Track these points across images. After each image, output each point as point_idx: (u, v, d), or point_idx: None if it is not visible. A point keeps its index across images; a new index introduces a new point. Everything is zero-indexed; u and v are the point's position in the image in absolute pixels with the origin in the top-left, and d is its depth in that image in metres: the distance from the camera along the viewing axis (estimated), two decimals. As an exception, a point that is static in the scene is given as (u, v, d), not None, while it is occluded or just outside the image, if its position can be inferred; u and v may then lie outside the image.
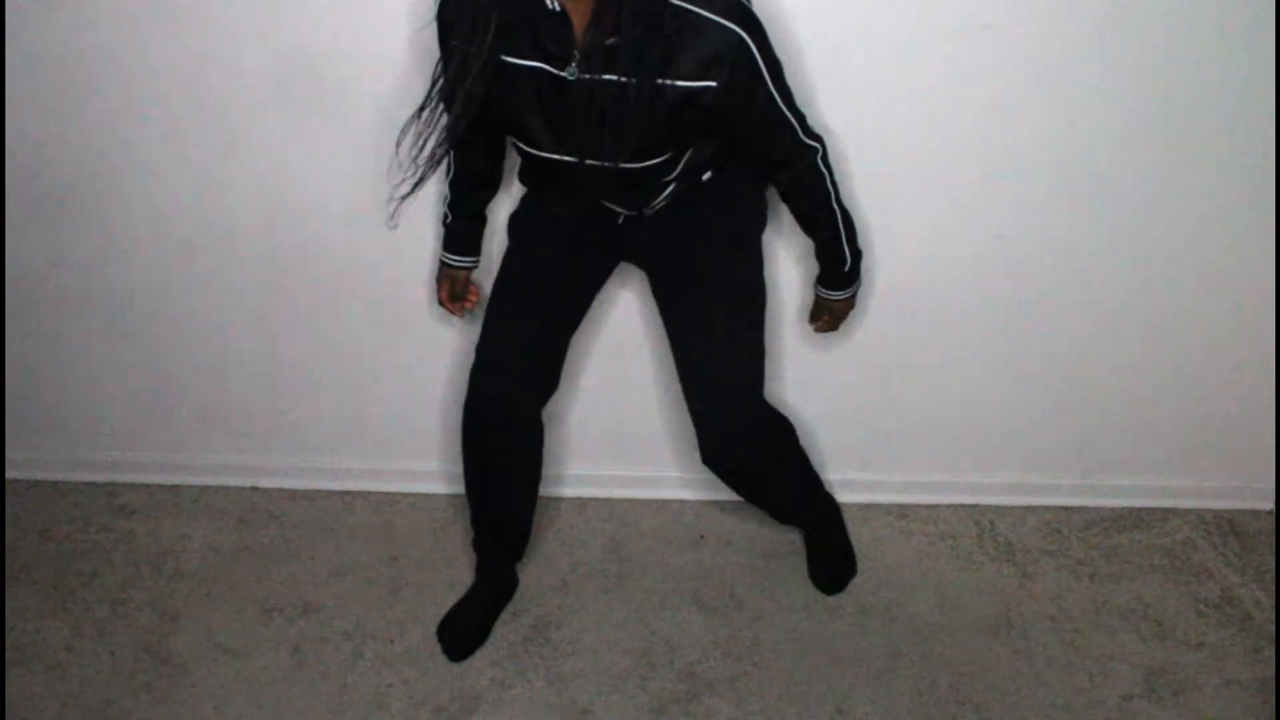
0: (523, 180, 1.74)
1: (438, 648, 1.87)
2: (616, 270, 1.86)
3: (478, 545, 1.97)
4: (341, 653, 1.86)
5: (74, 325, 2.15)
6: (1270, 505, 2.21)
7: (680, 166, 1.58)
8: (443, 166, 1.66)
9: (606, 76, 1.37)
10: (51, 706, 1.75)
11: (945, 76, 1.80)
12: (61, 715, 1.74)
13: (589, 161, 1.47)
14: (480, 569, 1.99)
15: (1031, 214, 1.92)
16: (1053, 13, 1.74)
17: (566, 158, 1.50)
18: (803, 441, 1.95)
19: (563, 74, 1.40)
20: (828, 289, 1.76)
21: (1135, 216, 1.92)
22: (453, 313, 1.87)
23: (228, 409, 2.22)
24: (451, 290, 1.85)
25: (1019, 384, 2.11)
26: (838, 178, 1.64)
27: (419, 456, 2.21)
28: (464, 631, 1.92)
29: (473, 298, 1.86)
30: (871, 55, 1.78)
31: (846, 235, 1.69)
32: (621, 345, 2.08)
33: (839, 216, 1.65)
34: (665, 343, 2.03)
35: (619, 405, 2.16)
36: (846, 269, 1.71)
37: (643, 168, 1.51)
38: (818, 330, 1.84)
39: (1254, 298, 2.00)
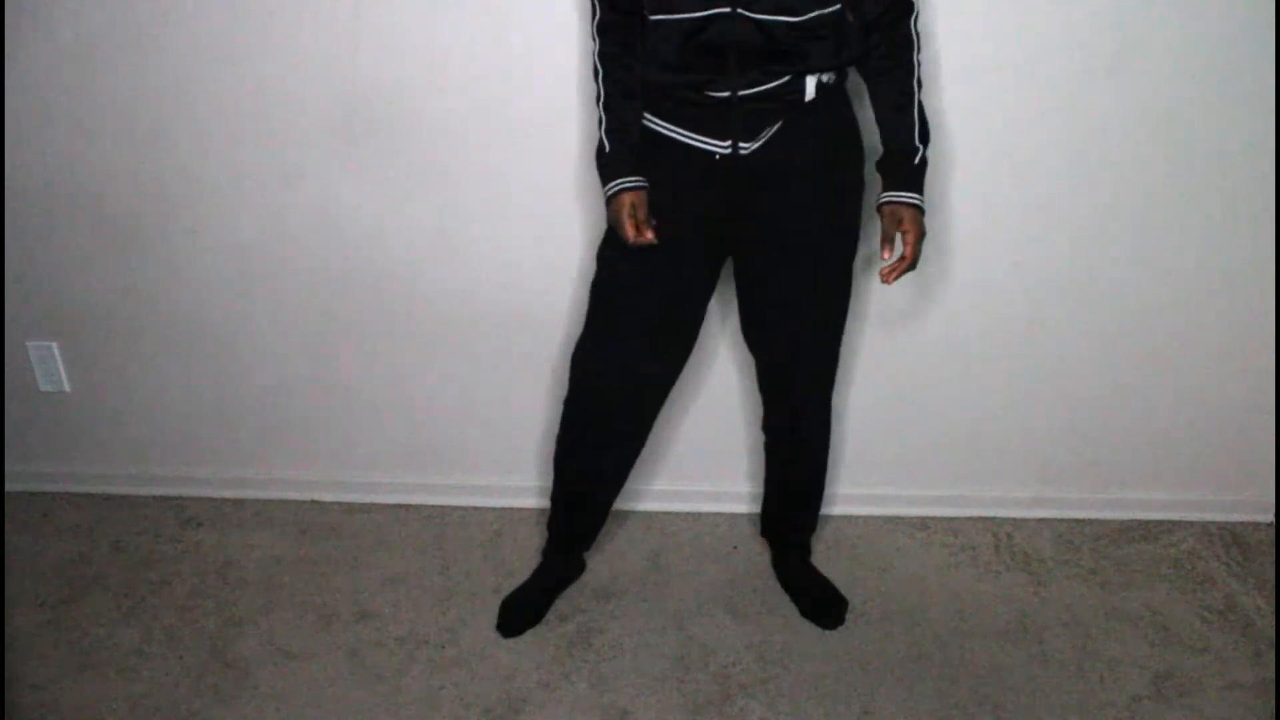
0: (649, 103, 1.62)
1: (486, 651, 1.88)
2: None
3: (560, 533, 1.97)
4: (396, 656, 1.88)
5: (144, 349, 2.20)
6: (1270, 518, 2.22)
7: (820, 48, 1.51)
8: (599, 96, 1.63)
9: None
10: (122, 707, 1.77)
11: (961, 119, 1.83)
12: (132, 715, 1.76)
13: (739, 10, 1.42)
14: (556, 557, 2.01)
15: (1045, 245, 1.96)
16: (1065, 55, 1.77)
17: (717, 9, 1.44)
18: (829, 458, 1.96)
19: None
20: (897, 189, 1.56)
21: (1142, 247, 1.96)
22: (648, 240, 1.60)
23: (289, 427, 2.27)
24: (636, 214, 1.60)
25: (1034, 404, 2.13)
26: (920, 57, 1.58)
27: (468, 472, 2.24)
28: (525, 613, 1.96)
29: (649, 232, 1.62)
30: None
31: (920, 122, 1.57)
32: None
33: (916, 95, 1.56)
34: (705, 368, 2.01)
35: (658, 426, 2.09)
36: (916, 161, 1.56)
37: (801, 23, 1.47)
38: (890, 274, 1.56)
39: (1255, 323, 2.03)
